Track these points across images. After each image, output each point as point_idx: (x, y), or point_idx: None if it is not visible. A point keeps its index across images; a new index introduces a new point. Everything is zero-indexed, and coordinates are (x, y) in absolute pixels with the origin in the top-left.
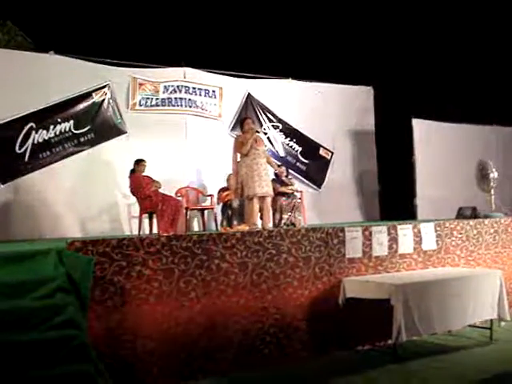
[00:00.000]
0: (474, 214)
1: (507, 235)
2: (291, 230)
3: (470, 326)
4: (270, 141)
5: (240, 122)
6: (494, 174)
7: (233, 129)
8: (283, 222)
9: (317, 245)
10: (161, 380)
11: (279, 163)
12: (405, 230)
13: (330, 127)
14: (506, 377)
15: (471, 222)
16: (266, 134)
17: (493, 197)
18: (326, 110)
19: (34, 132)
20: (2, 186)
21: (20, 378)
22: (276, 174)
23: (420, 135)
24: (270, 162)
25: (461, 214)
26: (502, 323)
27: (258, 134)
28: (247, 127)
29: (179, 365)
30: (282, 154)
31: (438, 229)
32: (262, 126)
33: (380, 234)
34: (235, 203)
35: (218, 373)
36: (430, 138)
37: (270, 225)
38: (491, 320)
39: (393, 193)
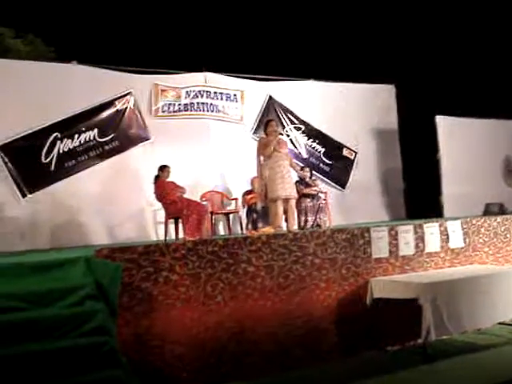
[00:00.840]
0: (502, 210)
1: None
2: (316, 232)
3: (499, 323)
4: (292, 142)
5: (264, 125)
6: None
7: (255, 132)
8: (308, 223)
9: (342, 246)
10: None
11: (303, 165)
12: (431, 229)
13: (352, 127)
14: None
15: (498, 219)
16: (288, 135)
17: None
18: (348, 109)
19: (58, 141)
20: (29, 195)
21: None
22: (300, 176)
23: (444, 132)
24: (293, 165)
25: (488, 211)
26: None
27: (280, 136)
28: (270, 129)
29: (208, 369)
30: (305, 155)
31: (465, 226)
32: (284, 127)
33: (406, 233)
34: (260, 206)
35: (248, 377)
36: (454, 134)
37: (296, 227)
38: None
39: (418, 191)
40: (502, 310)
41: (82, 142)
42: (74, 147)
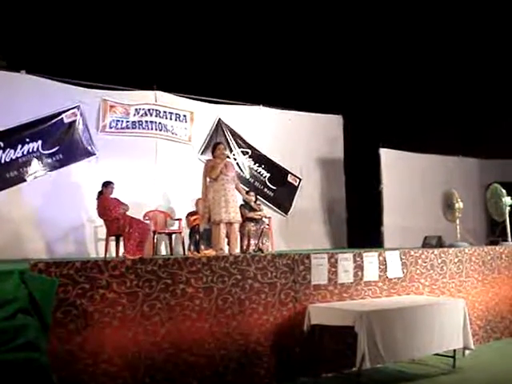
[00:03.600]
0: (440, 243)
1: (471, 264)
2: (257, 256)
3: (434, 354)
4: (239, 166)
5: (212, 147)
6: (459, 204)
7: (202, 153)
8: (251, 247)
9: (283, 271)
10: None
11: (248, 189)
12: (370, 258)
13: (298, 154)
14: None
15: (436, 251)
16: (235, 159)
17: (458, 226)
18: (296, 137)
19: (1, 151)
20: None
21: None
22: (245, 200)
23: (387, 164)
24: (239, 189)
25: (426, 243)
26: (467, 352)
27: (228, 159)
28: (218, 152)
29: None
30: (250, 179)
31: (403, 257)
32: (231, 151)
33: (346, 261)
34: (203, 228)
35: None
36: (397, 166)
37: (238, 250)
38: (454, 349)
39: (360, 220)
40: (437, 341)
41: (26, 152)
42: (17, 157)
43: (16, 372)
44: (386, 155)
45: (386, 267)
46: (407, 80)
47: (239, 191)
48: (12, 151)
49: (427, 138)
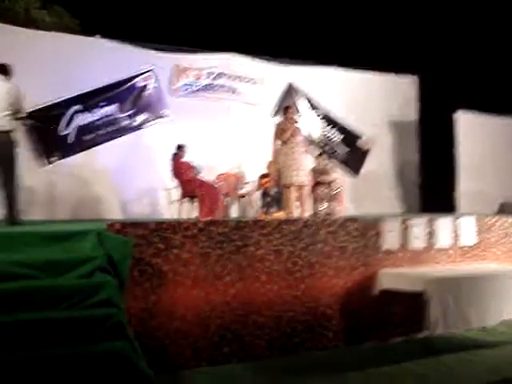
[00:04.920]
0: None
1: None
2: (328, 220)
3: (505, 322)
4: (310, 129)
5: (283, 110)
6: None
7: (274, 116)
8: (321, 211)
9: (354, 235)
10: (193, 362)
11: (319, 152)
12: (443, 224)
13: (371, 116)
14: None
15: (511, 219)
16: (306, 122)
17: None
18: (369, 98)
19: (78, 114)
20: (46, 166)
21: (58, 354)
22: (316, 163)
23: (463, 127)
24: (309, 152)
25: (502, 210)
26: None
27: (297, 124)
28: (289, 116)
29: (212, 348)
30: (321, 142)
31: (478, 224)
32: (302, 114)
33: (418, 226)
34: (273, 191)
35: (249, 358)
36: (473, 130)
37: (308, 214)
38: None
39: (433, 185)
40: (508, 309)
41: (102, 116)
42: (93, 121)
43: (95, 327)
44: (463, 118)
45: (459, 234)
46: (489, 38)
47: (309, 154)
48: (88, 114)
49: (507, 100)
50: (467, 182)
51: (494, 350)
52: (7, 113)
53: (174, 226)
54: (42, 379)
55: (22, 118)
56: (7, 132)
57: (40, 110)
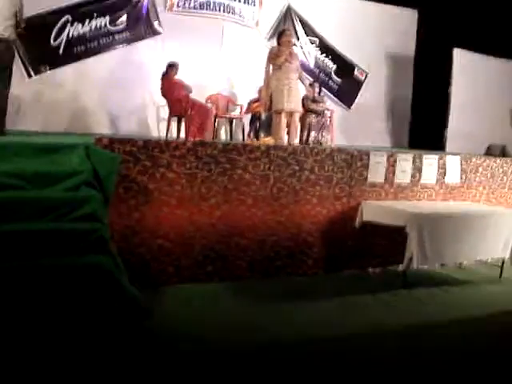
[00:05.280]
0: (503, 153)
1: None
2: (316, 149)
3: (481, 262)
4: (305, 55)
5: (278, 34)
6: None
7: (269, 39)
8: (310, 139)
9: (340, 166)
10: (176, 279)
11: (312, 79)
12: (430, 161)
13: (368, 47)
14: (508, 314)
15: (498, 160)
16: (301, 47)
17: None
18: (367, 29)
19: (69, 25)
20: (34, 76)
21: (42, 264)
22: (308, 91)
23: (459, 65)
24: (302, 79)
25: (490, 151)
26: None
27: (294, 47)
28: (284, 39)
29: (195, 267)
30: (315, 70)
31: (464, 163)
32: (298, 39)
33: (405, 161)
34: (264, 116)
35: (232, 278)
36: (469, 69)
37: (296, 141)
38: (503, 259)
39: (424, 121)
40: (485, 249)
41: (93, 28)
42: (84, 32)
43: (78, 241)
44: (460, 56)
45: (444, 171)
46: None
47: (302, 82)
48: (80, 25)
49: (505, 42)
50: (458, 121)
51: (465, 288)
52: (10, 22)
53: (162, 144)
54: (26, 288)
55: (22, 29)
56: (8, 41)
57: (30, 19)
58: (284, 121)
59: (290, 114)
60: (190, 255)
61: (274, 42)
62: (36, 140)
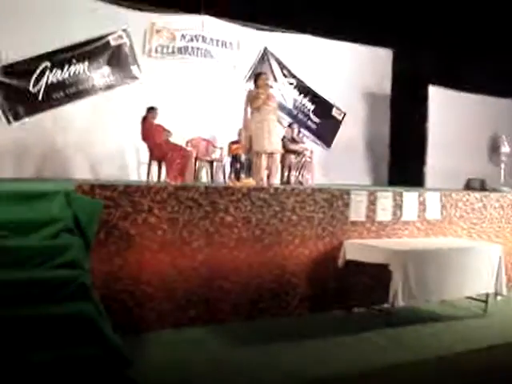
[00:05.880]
0: (482, 187)
1: None
2: (297, 189)
3: (466, 297)
4: (283, 97)
5: (254, 77)
6: (505, 149)
7: (247, 81)
8: (291, 179)
9: (321, 205)
10: (158, 325)
11: (291, 120)
12: (410, 198)
13: (344, 87)
14: (495, 349)
15: (477, 195)
16: (279, 89)
17: (502, 171)
18: (343, 69)
19: (48, 71)
20: (14, 123)
21: (21, 315)
22: (287, 132)
23: (435, 102)
24: (280, 120)
25: (469, 186)
26: (498, 297)
27: (271, 89)
28: (261, 82)
29: (177, 311)
30: (293, 111)
31: (444, 198)
32: (276, 81)
33: (385, 199)
34: (244, 157)
35: (216, 321)
36: (445, 106)
37: (277, 182)
38: (487, 293)
39: (403, 159)
40: (470, 285)
41: (72, 74)
42: (64, 79)
43: (59, 288)
44: (435, 93)
45: (425, 208)
46: (460, 16)
47: (280, 123)
48: (59, 71)
49: (479, 78)
50: (436, 158)
51: (450, 324)
52: None
53: (143, 189)
54: (3, 339)
55: None
56: None
57: (9, 65)
58: (264, 162)
59: (271, 155)
60: (172, 300)
61: (252, 84)
62: (16, 187)
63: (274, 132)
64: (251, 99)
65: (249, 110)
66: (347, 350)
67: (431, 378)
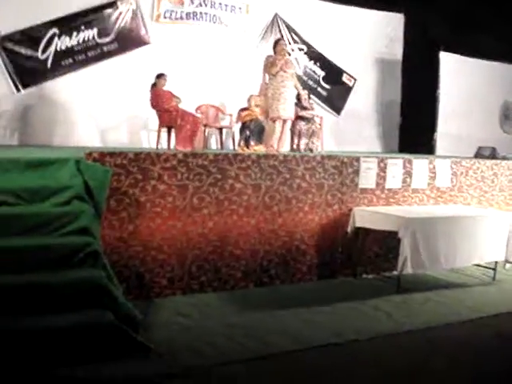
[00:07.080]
0: (493, 155)
1: None
2: (306, 156)
3: (474, 265)
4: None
5: (273, 43)
6: None
7: (257, 47)
8: (301, 146)
9: (331, 172)
10: (169, 290)
11: (301, 87)
12: (420, 165)
13: (355, 53)
14: (502, 317)
15: (488, 163)
16: (289, 55)
17: None
18: (354, 35)
19: (56, 38)
20: (22, 91)
21: (34, 280)
22: (298, 98)
23: (447, 69)
24: (297, 87)
25: (479, 154)
26: (508, 265)
27: (289, 56)
28: (279, 48)
29: (188, 277)
30: (303, 77)
31: (454, 166)
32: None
33: (395, 166)
34: (252, 124)
35: (226, 288)
36: (456, 72)
37: (287, 148)
38: (496, 261)
39: (414, 125)
40: (479, 252)
41: (81, 41)
42: (72, 46)
43: (70, 255)
44: (447, 59)
45: (435, 175)
46: None
47: (297, 89)
48: (67, 39)
49: (491, 44)
50: (447, 125)
51: (458, 292)
52: None
53: (153, 156)
54: (17, 304)
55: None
56: None
57: (17, 33)
58: (279, 128)
59: (284, 122)
60: (183, 266)
61: (262, 50)
62: (26, 155)
63: (290, 98)
64: (269, 66)
65: (266, 76)
66: (355, 317)
67: (439, 344)
